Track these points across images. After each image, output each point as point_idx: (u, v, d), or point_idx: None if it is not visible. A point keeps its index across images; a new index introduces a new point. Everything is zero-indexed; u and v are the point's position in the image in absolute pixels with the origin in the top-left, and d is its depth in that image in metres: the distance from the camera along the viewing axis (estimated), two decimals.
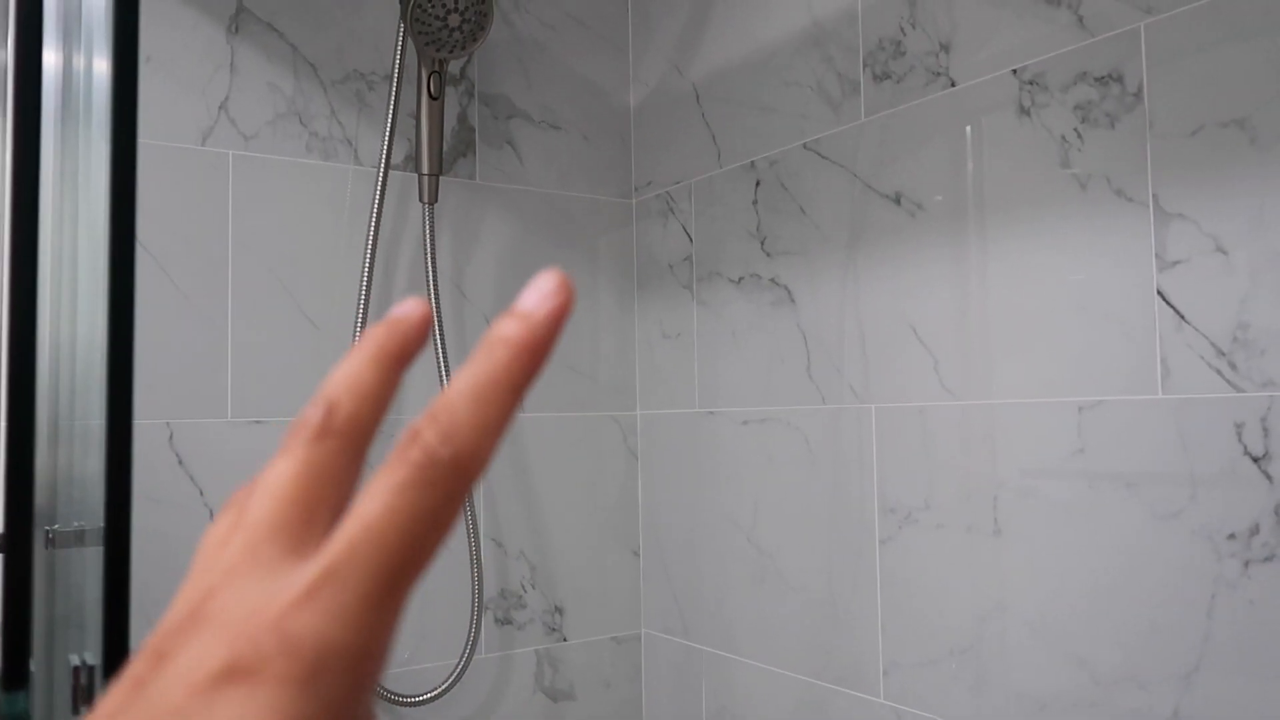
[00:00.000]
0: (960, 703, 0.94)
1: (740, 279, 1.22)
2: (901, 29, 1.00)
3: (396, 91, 1.15)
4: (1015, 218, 0.89)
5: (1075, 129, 0.84)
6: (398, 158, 1.22)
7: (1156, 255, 0.78)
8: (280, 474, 0.19)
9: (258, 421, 1.11)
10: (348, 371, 0.20)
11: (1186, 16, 0.76)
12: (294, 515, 0.19)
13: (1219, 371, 0.74)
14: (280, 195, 1.15)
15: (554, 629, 1.30)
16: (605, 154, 1.41)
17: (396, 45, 1.14)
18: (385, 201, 1.18)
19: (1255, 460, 0.72)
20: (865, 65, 1.04)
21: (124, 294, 0.33)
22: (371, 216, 1.14)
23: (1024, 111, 0.88)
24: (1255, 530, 0.72)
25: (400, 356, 0.21)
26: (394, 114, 1.16)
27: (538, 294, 0.20)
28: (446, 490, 0.18)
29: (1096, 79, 0.82)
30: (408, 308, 0.22)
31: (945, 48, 0.95)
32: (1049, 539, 0.86)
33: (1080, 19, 0.83)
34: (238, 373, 1.11)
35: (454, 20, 1.05)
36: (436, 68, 1.11)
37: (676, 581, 1.31)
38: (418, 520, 0.18)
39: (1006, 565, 0.90)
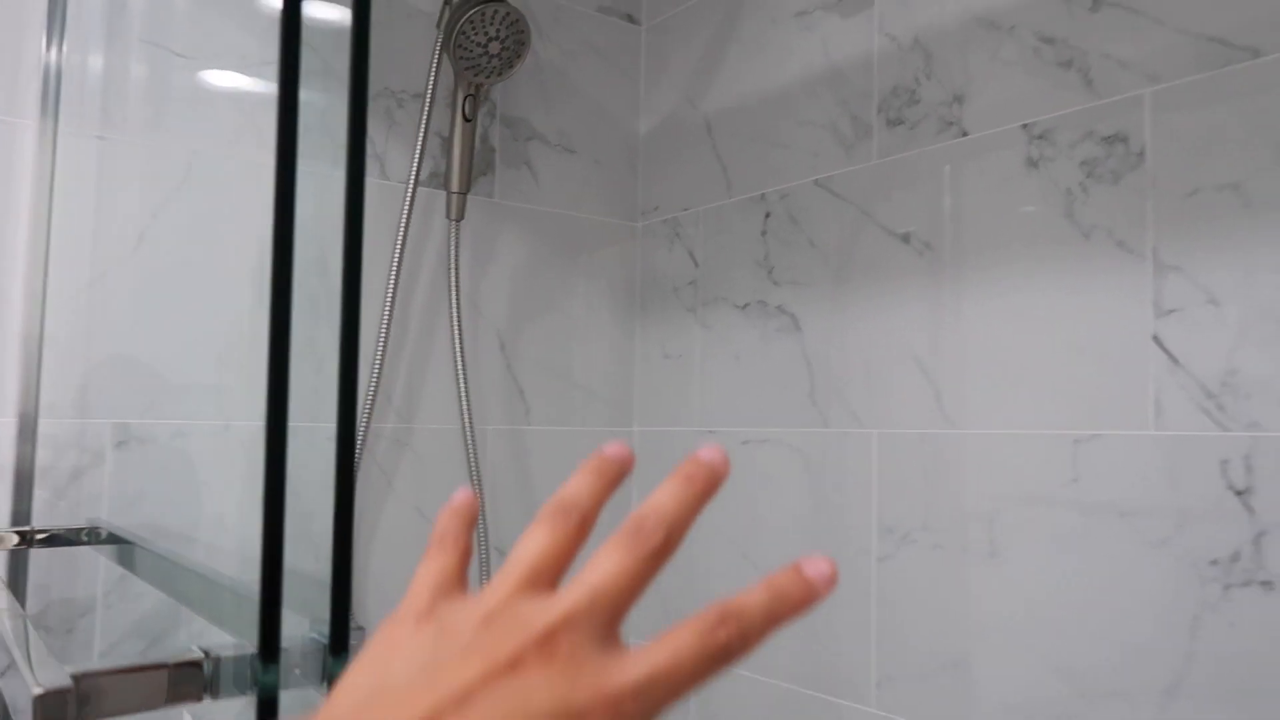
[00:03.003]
0: (951, 714, 1.00)
1: (746, 305, 1.27)
2: (916, 79, 1.07)
3: (430, 111, 1.19)
4: (1021, 261, 0.96)
5: (1081, 183, 0.91)
6: (423, 175, 1.26)
7: (1154, 303, 0.85)
8: (624, 566, 0.26)
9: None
10: (682, 504, 0.28)
11: (1188, 86, 0.84)
12: (623, 602, 0.26)
13: (1208, 412, 0.81)
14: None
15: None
16: (615, 178, 1.46)
17: (432, 66, 1.18)
18: (411, 218, 1.22)
19: (1238, 494, 0.79)
20: (879, 110, 1.11)
21: (351, 316, 0.38)
22: (400, 230, 1.18)
23: (1032, 164, 0.95)
24: (1236, 557, 0.79)
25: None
26: (425, 132, 1.20)
27: (821, 569, 0.27)
28: (724, 666, 0.25)
29: (1103, 138, 0.89)
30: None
31: (959, 99, 1.02)
32: (1042, 562, 0.93)
33: (1089, 81, 0.91)
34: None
35: (494, 48, 1.09)
36: (472, 91, 1.15)
37: (669, 593, 1.36)
38: (702, 676, 0.25)
39: (1000, 585, 0.96)
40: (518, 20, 1.09)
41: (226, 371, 1.12)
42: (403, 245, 1.19)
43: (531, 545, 0.27)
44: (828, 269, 1.16)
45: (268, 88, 1.16)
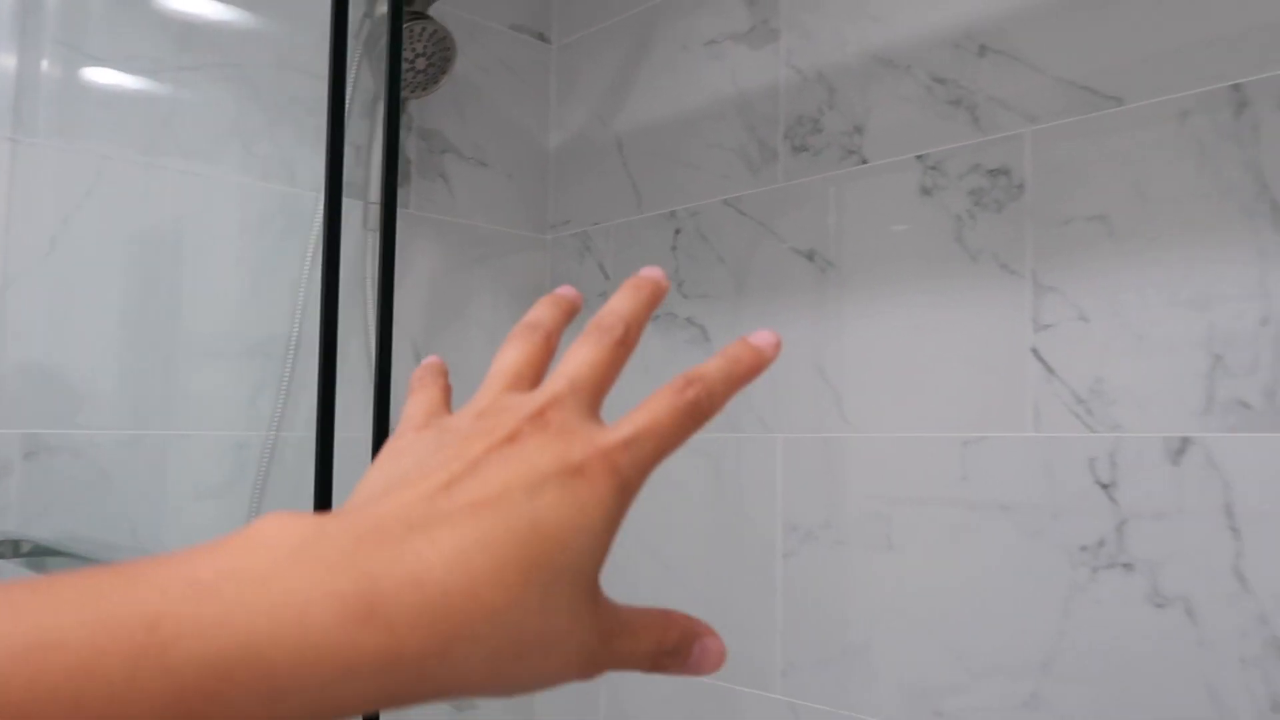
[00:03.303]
0: (852, 696, 1.08)
1: (656, 317, 1.34)
2: (820, 109, 1.15)
3: (346, 122, 1.21)
4: (915, 280, 1.05)
5: (969, 210, 1.01)
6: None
7: (1032, 319, 0.95)
8: (593, 356, 0.29)
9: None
10: (635, 305, 0.30)
11: (1062, 127, 0.94)
12: (598, 385, 0.28)
13: (1078, 415, 0.92)
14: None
15: None
16: (527, 191, 1.50)
17: (351, 77, 1.20)
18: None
19: (1104, 487, 0.90)
20: (785, 136, 1.19)
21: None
22: (314, 239, 1.19)
23: (925, 191, 1.05)
24: (1102, 543, 0.90)
25: (655, 307, 0.32)
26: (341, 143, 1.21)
27: (767, 340, 0.31)
28: (697, 421, 0.28)
29: (988, 171, 0.99)
30: (658, 275, 0.32)
31: (859, 129, 1.11)
32: (934, 553, 1.02)
33: (976, 119, 1.01)
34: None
35: (420, 64, 1.12)
36: None
37: None
38: (680, 432, 0.27)
39: (896, 576, 1.05)
40: (445, 38, 1.13)
41: (139, 380, 1.10)
42: (315, 254, 1.20)
43: (507, 356, 0.30)
44: (735, 283, 1.23)
45: (179, 92, 1.15)
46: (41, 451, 1.02)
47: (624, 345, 0.30)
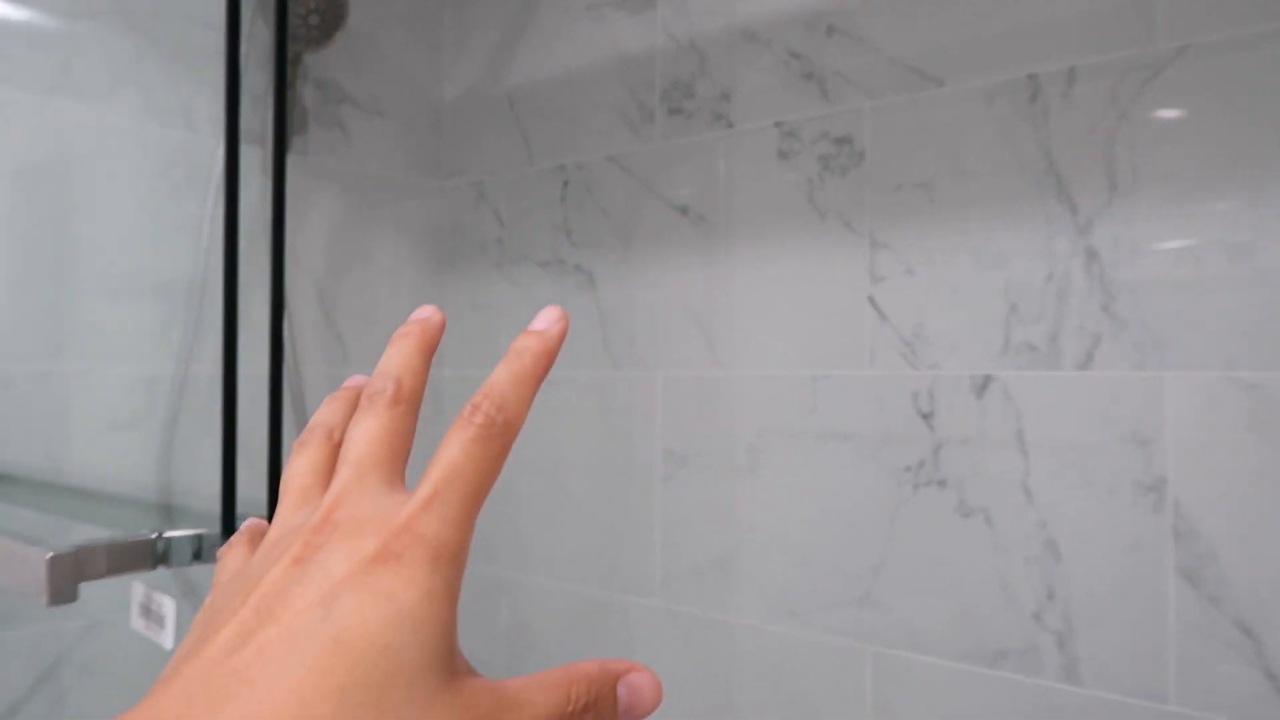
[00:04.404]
0: (720, 600, 1.23)
1: (547, 262, 1.44)
2: (693, 74, 1.26)
3: (243, 73, 1.26)
4: (772, 234, 1.18)
5: (819, 174, 1.14)
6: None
7: (869, 272, 1.10)
8: (371, 428, 0.27)
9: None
10: (401, 357, 0.28)
11: (897, 104, 1.08)
12: (386, 456, 0.26)
13: (904, 356, 1.07)
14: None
15: None
16: (422, 140, 1.58)
17: (245, 30, 1.25)
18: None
19: (924, 417, 1.05)
20: (661, 99, 1.30)
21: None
22: (212, 186, 1.26)
23: (783, 155, 1.17)
24: (922, 464, 1.06)
25: (432, 347, 0.29)
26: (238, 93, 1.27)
27: (548, 317, 0.29)
28: (502, 443, 0.26)
29: (835, 139, 1.12)
30: (429, 312, 0.30)
31: (726, 96, 1.23)
32: (789, 476, 1.17)
33: (825, 93, 1.13)
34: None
35: (314, 19, 1.19)
36: (291, 57, 1.24)
37: (482, 519, 1.52)
38: (486, 461, 0.25)
39: (758, 496, 1.20)
40: None
41: (48, 317, 1.16)
42: (217, 198, 1.26)
43: (292, 469, 0.28)
44: (618, 234, 1.35)
45: (77, 36, 1.19)
46: None
47: (400, 402, 0.27)
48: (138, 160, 1.25)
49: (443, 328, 0.30)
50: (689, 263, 1.26)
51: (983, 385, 1.01)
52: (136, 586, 0.55)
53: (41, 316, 1.16)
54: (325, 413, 0.30)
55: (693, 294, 1.26)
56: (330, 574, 0.22)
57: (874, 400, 1.09)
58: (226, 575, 0.28)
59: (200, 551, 0.51)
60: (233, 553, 0.29)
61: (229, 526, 0.53)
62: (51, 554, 0.47)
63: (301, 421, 1.34)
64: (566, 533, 1.41)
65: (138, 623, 0.55)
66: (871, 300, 1.09)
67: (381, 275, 1.52)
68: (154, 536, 0.51)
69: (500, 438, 0.26)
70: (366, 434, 0.27)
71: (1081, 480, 0.95)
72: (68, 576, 0.47)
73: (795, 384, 1.16)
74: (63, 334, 1.18)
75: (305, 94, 1.41)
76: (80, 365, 1.20)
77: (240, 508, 0.54)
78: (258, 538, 0.29)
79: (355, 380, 0.31)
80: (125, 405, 1.23)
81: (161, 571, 0.53)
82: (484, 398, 0.26)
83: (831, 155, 1.13)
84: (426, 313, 0.30)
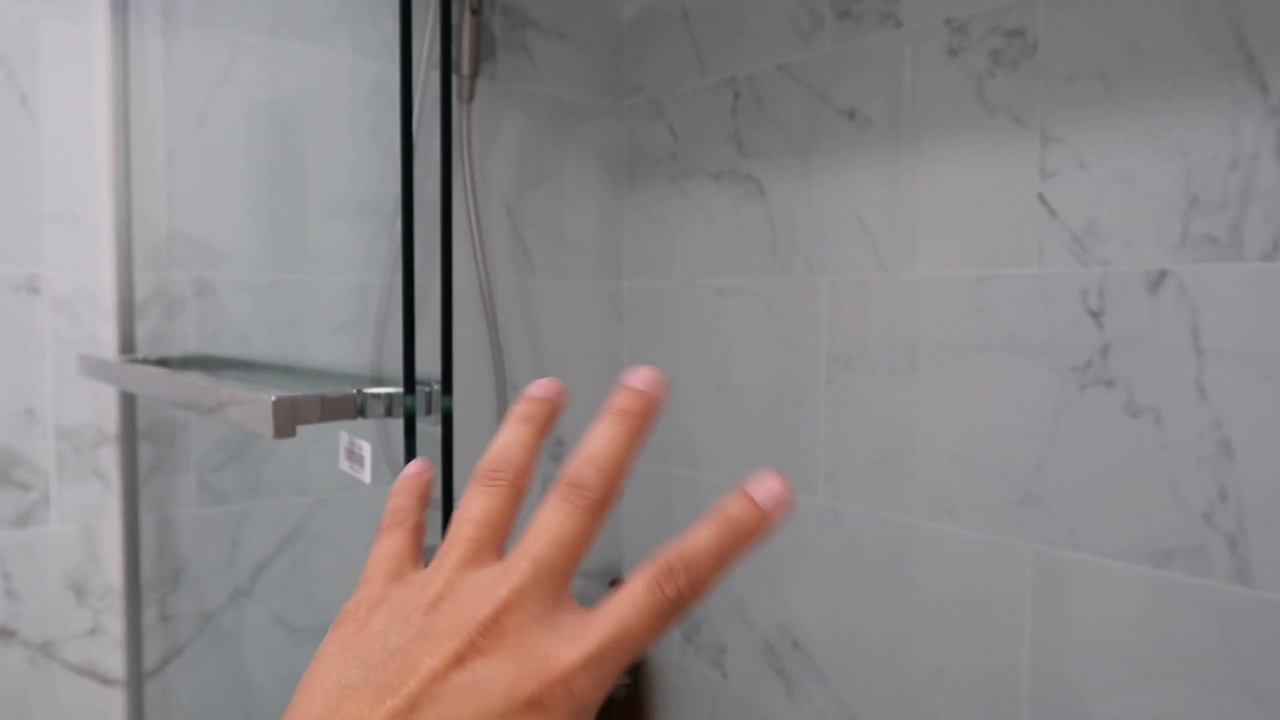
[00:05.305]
0: (881, 499, 1.26)
1: (719, 174, 1.48)
2: None
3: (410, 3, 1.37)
4: (940, 133, 1.17)
5: (989, 69, 1.11)
6: (433, 60, 1.44)
7: (1040, 168, 1.07)
8: (564, 529, 0.26)
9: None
10: (615, 450, 0.28)
11: None
12: (565, 566, 0.26)
13: (1074, 253, 1.04)
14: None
15: (558, 458, 1.60)
16: (603, 62, 1.64)
17: None
18: (425, 99, 1.41)
19: (1093, 315, 1.03)
20: (831, 3, 1.29)
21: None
22: (417, 110, 1.37)
23: (952, 52, 1.15)
24: (1090, 364, 1.04)
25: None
26: (440, 22, 1.37)
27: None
28: (676, 617, 0.25)
29: (1006, 32, 1.09)
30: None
31: None
32: (950, 376, 1.17)
33: None
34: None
35: None
36: None
37: (658, 432, 1.61)
38: (653, 633, 0.25)
39: (919, 397, 1.21)
40: None
41: (276, 234, 1.32)
42: (417, 123, 1.38)
43: (470, 513, 0.27)
44: (787, 142, 1.37)
45: None
46: (208, 291, 1.25)
47: (602, 508, 0.27)
48: (348, 92, 1.38)
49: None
50: (855, 167, 1.27)
51: (1157, 280, 0.98)
52: (342, 434, 0.66)
53: (275, 234, 1.32)
54: (511, 442, 0.29)
55: (858, 198, 1.27)
56: (484, 699, 0.23)
57: (1041, 299, 1.08)
58: (380, 573, 0.28)
59: (390, 407, 0.61)
60: (391, 539, 0.29)
61: (409, 388, 0.62)
62: (275, 396, 0.58)
63: (492, 325, 1.47)
64: (736, 433, 1.47)
65: (344, 463, 0.66)
66: (1041, 197, 1.07)
67: (564, 192, 1.61)
68: (355, 392, 0.61)
69: (678, 613, 0.25)
70: (559, 531, 0.26)
71: (1261, 376, 0.91)
72: (287, 417, 0.57)
73: (960, 285, 1.15)
74: (292, 249, 1.34)
75: (493, 22, 1.50)
76: (306, 276, 1.36)
77: (420, 374, 0.63)
78: (415, 521, 0.30)
79: (543, 389, 0.31)
80: (343, 309, 1.39)
81: (361, 421, 0.63)
82: (684, 568, 0.26)
83: (1002, 49, 1.10)
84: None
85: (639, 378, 0.29)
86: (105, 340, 1.20)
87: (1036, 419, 1.09)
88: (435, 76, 1.44)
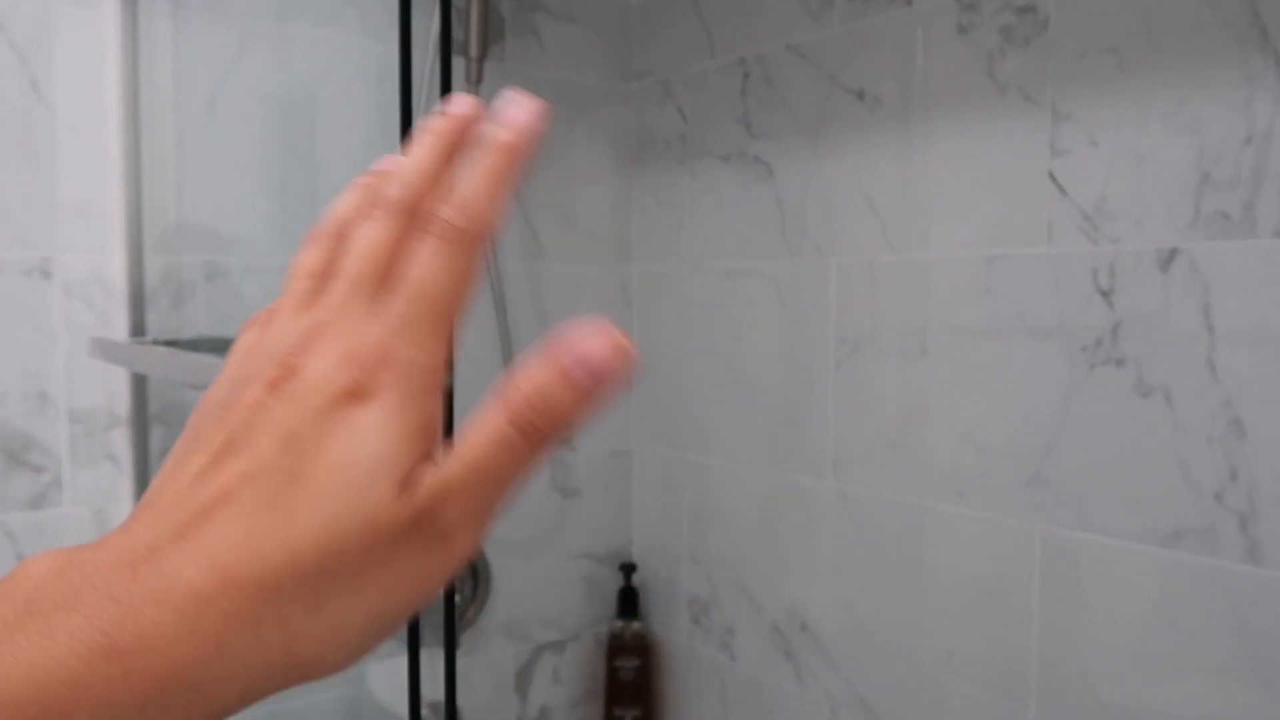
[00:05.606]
0: (891, 482, 1.26)
1: (728, 156, 1.47)
2: None
3: None
4: (949, 112, 1.16)
5: (1000, 46, 1.10)
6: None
7: (1050, 145, 1.06)
8: (369, 239, 0.25)
9: None
10: (420, 162, 0.26)
11: None
12: (377, 272, 0.24)
13: (1085, 232, 1.03)
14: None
15: (558, 459, 1.60)
16: (612, 45, 1.63)
17: None
18: (430, 80, 1.40)
19: (1104, 294, 1.02)
20: None
21: None
22: (423, 93, 1.37)
23: (962, 30, 1.14)
24: (1100, 343, 1.03)
25: (458, 146, 0.26)
26: (440, 4, 1.37)
27: (521, 108, 0.26)
28: (470, 253, 0.24)
29: (1017, 8, 1.08)
30: (461, 103, 0.27)
31: None
32: (960, 358, 1.16)
33: None
34: None
35: None
36: None
37: (664, 405, 1.61)
38: (457, 275, 0.24)
39: (929, 379, 1.20)
40: None
41: (287, 215, 1.33)
42: (426, 104, 1.38)
43: (364, 245, 0.26)
44: (796, 123, 1.36)
45: None
46: (218, 275, 1.26)
47: (401, 215, 0.25)
48: (358, 75, 1.38)
49: (476, 123, 0.27)
50: (864, 148, 1.26)
51: (1168, 258, 0.97)
52: None
53: (285, 217, 1.33)
54: (348, 209, 0.28)
55: (867, 179, 1.26)
56: (305, 406, 0.22)
57: (1051, 278, 1.07)
58: (235, 359, 0.26)
59: None
60: (248, 333, 0.27)
61: None
62: None
63: (500, 308, 1.47)
64: (744, 417, 1.47)
65: None
66: (1051, 175, 1.06)
67: (573, 175, 1.61)
68: None
69: (468, 247, 0.24)
70: (366, 245, 0.25)
71: (1273, 355, 0.90)
72: None
73: (969, 265, 1.15)
74: (301, 232, 1.34)
75: (501, 4, 1.50)
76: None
77: None
78: (274, 317, 0.27)
79: (461, 106, 0.27)
80: None
81: None
82: (442, 202, 0.24)
83: (1013, 26, 1.09)
84: (458, 104, 0.27)
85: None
86: (116, 324, 1.20)
87: (1047, 400, 1.08)
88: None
